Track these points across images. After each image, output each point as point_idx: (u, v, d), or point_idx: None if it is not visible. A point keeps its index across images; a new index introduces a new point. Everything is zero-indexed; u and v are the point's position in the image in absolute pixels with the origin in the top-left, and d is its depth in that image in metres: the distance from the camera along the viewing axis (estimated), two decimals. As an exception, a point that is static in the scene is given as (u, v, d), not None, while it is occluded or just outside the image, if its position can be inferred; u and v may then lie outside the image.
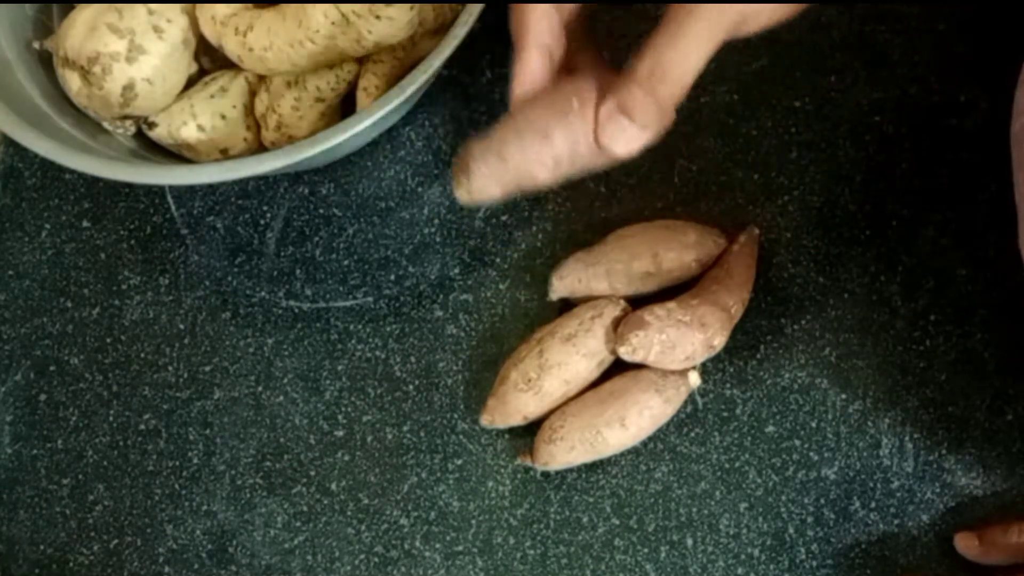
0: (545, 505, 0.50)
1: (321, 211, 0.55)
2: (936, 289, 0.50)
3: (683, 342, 0.47)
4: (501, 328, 0.52)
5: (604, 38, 0.52)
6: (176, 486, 0.52)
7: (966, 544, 0.46)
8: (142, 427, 0.53)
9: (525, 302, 0.52)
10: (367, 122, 0.45)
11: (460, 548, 0.50)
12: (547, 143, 0.36)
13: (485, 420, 0.49)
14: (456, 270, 0.53)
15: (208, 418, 0.53)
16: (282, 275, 0.55)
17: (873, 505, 0.48)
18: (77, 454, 0.53)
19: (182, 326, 0.55)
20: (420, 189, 0.55)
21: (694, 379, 0.48)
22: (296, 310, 0.54)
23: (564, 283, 0.50)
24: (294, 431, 0.52)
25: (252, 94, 0.51)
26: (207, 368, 0.54)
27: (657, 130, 0.35)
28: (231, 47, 0.48)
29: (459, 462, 0.51)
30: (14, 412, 0.54)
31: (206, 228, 0.56)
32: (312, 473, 0.51)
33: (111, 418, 0.54)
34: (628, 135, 0.35)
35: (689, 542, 0.48)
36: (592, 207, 0.53)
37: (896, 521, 0.47)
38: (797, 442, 0.49)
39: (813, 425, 0.49)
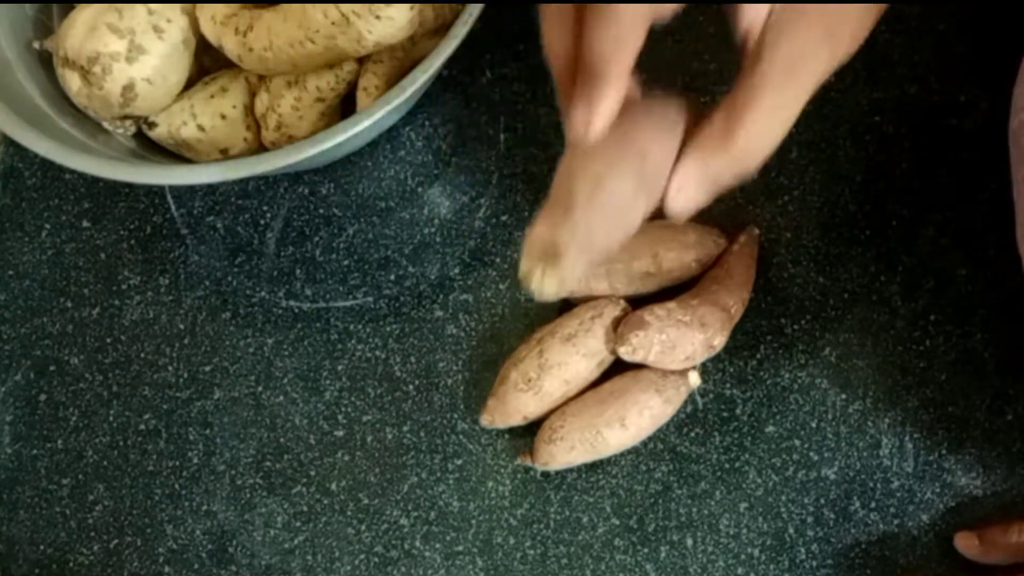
0: (545, 505, 0.50)
1: (321, 211, 0.55)
2: (936, 289, 0.50)
3: (683, 342, 0.47)
4: (501, 328, 0.52)
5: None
6: (176, 486, 0.52)
7: (966, 544, 0.46)
8: (142, 427, 0.53)
9: (525, 302, 0.52)
10: (367, 122, 0.45)
11: (460, 548, 0.50)
12: (633, 208, 0.32)
13: (485, 420, 0.49)
14: (456, 270, 0.53)
15: (208, 418, 0.53)
16: (282, 275, 0.55)
17: (873, 505, 0.48)
18: (77, 454, 0.53)
19: (182, 326, 0.55)
20: (420, 189, 0.55)
21: (694, 379, 0.48)
22: (296, 310, 0.54)
23: (564, 283, 0.50)
24: (294, 431, 0.52)
25: (252, 94, 0.51)
26: (207, 368, 0.54)
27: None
28: (231, 47, 0.48)
29: (459, 462, 0.51)
30: (14, 412, 0.54)
31: (206, 228, 0.56)
32: (312, 473, 0.51)
33: (111, 418, 0.54)
34: (700, 201, 0.32)
35: (689, 542, 0.48)
36: (592, 207, 0.53)
37: (896, 521, 0.47)
38: (797, 442, 0.49)
39: (813, 425, 0.49)
